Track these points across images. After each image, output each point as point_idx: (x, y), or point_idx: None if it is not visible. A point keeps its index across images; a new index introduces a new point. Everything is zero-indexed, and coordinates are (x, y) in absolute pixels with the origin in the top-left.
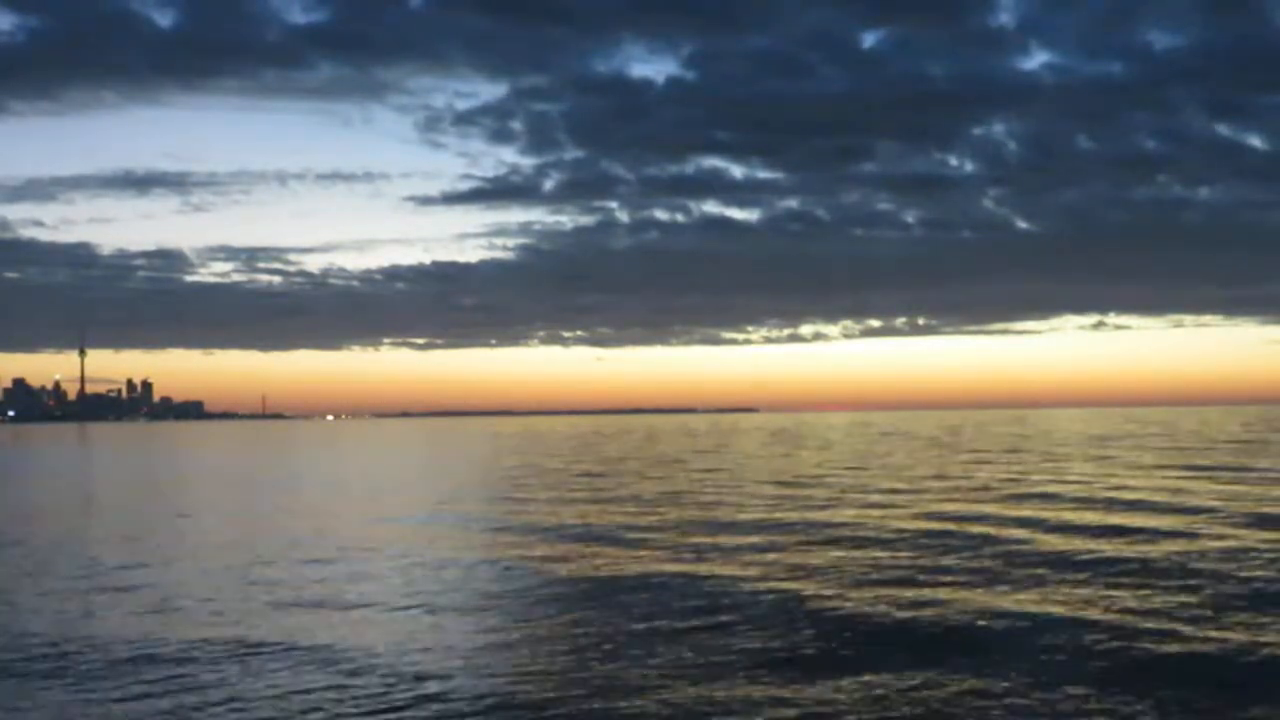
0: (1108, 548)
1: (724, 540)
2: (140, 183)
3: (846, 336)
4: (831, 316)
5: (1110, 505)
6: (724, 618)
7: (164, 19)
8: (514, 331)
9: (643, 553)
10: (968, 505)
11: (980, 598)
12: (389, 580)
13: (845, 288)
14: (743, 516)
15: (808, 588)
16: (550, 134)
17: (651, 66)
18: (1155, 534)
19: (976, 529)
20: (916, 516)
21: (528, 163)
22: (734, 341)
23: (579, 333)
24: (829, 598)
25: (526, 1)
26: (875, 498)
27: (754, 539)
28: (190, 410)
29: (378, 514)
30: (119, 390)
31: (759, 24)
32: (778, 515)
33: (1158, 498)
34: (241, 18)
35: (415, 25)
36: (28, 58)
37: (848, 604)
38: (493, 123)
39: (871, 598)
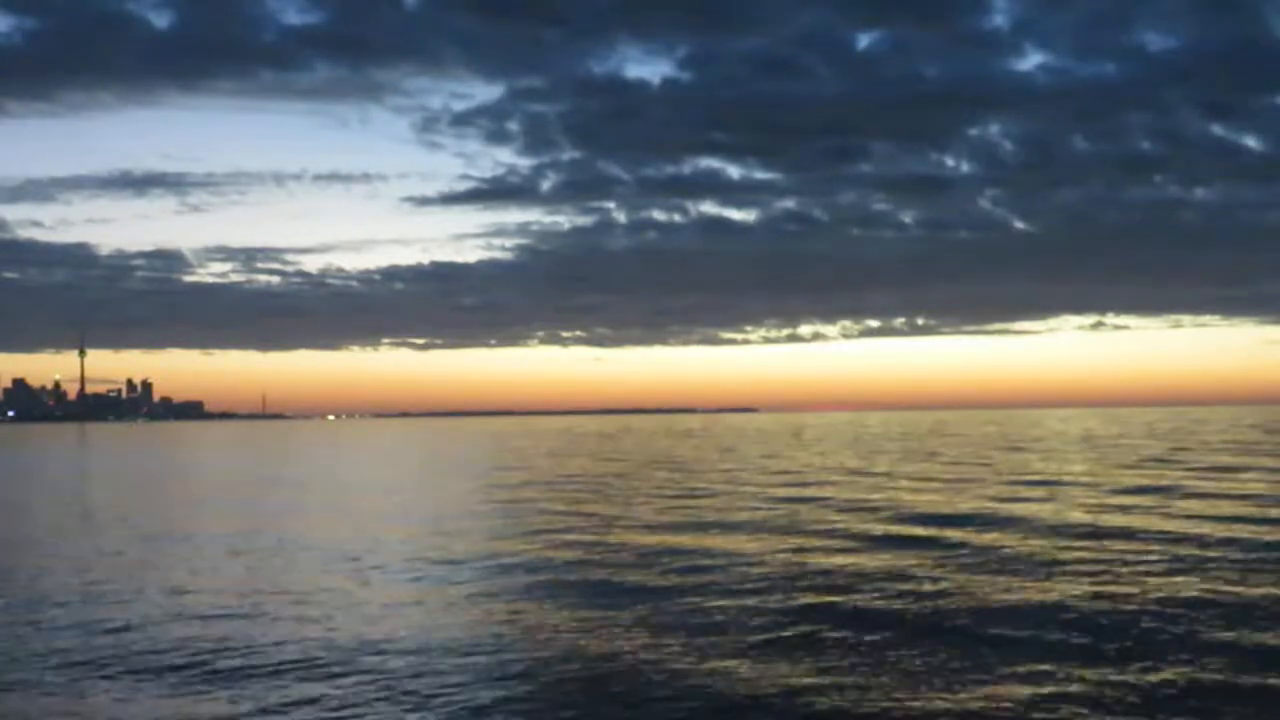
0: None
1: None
2: (138, 183)
3: (845, 336)
4: (830, 317)
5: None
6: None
7: (161, 20)
8: (513, 332)
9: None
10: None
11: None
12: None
13: (843, 288)
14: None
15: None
16: (547, 135)
17: (647, 68)
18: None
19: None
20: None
21: (525, 163)
22: (733, 341)
23: (578, 333)
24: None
25: (522, 3)
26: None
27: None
28: (190, 410)
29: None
30: (119, 390)
31: (754, 25)
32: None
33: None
34: (238, 19)
35: (411, 26)
36: (25, 59)
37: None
38: (489, 124)
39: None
